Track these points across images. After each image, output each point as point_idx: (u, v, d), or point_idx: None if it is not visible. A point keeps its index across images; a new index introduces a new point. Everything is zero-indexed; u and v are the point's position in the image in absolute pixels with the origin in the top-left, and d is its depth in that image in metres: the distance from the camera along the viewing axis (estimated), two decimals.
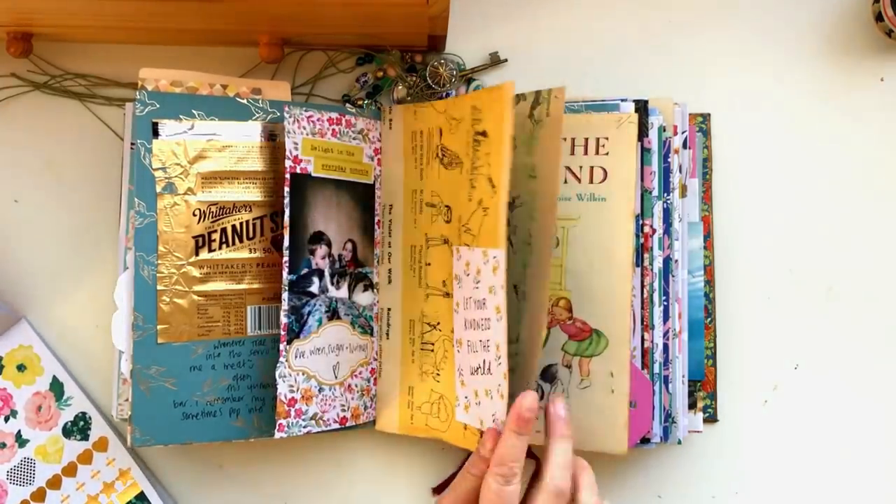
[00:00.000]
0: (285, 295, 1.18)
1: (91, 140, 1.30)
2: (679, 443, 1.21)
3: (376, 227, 1.26)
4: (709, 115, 1.30)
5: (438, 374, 1.21)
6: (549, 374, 1.20)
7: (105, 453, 1.28)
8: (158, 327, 1.18)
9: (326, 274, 1.22)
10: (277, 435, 1.18)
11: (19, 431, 1.27)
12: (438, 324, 1.21)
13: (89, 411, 1.28)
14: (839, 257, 1.29)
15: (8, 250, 1.30)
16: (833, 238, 1.29)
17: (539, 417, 1.14)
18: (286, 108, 1.19)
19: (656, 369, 1.19)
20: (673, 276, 1.21)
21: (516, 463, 1.07)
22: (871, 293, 1.29)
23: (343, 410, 1.23)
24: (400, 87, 1.29)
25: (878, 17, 1.27)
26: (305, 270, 1.20)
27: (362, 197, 1.25)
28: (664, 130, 1.21)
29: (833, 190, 1.29)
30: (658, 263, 1.20)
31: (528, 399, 1.07)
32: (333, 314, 1.22)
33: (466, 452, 1.28)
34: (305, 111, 1.21)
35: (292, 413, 1.19)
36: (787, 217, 1.29)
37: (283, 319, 1.18)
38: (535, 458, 1.28)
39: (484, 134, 1.14)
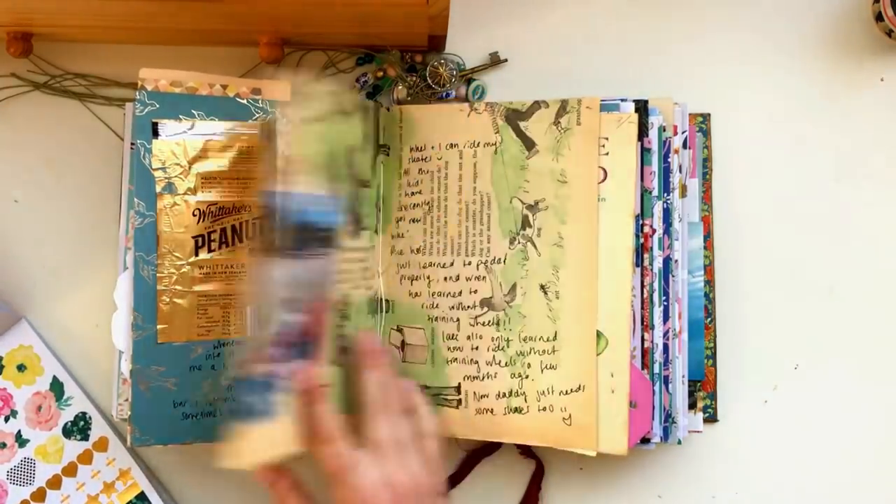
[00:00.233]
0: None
1: (91, 140, 1.30)
2: (679, 443, 1.22)
3: None
4: (709, 115, 1.30)
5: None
6: None
7: (105, 453, 1.28)
8: (158, 327, 1.18)
9: None
10: None
11: (19, 431, 1.27)
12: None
13: (89, 411, 1.28)
14: (840, 257, 1.29)
15: (8, 250, 1.30)
16: (833, 238, 1.29)
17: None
18: (278, 109, 1.19)
19: (656, 369, 1.19)
20: (673, 276, 1.21)
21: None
22: (871, 293, 1.29)
23: None
24: (400, 87, 1.29)
25: (878, 17, 1.27)
26: None
27: None
28: (664, 130, 1.21)
29: (833, 190, 1.29)
30: (658, 263, 1.20)
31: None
32: None
33: (467, 451, 1.30)
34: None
35: None
36: (787, 216, 1.29)
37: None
38: (535, 457, 1.28)
39: None
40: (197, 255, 1.20)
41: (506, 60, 1.31)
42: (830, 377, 1.29)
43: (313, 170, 1.16)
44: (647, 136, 1.20)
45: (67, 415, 1.28)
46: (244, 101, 1.22)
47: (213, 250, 1.21)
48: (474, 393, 1.22)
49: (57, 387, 1.28)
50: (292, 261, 1.11)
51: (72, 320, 1.30)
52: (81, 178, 1.31)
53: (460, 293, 1.23)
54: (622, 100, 1.21)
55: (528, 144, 1.21)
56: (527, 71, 1.31)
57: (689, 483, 1.29)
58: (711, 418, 1.28)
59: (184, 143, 1.20)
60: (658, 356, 1.20)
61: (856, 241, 1.29)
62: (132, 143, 1.19)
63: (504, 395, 1.21)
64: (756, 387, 1.29)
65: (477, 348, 1.22)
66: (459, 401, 1.23)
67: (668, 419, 1.20)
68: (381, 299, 1.26)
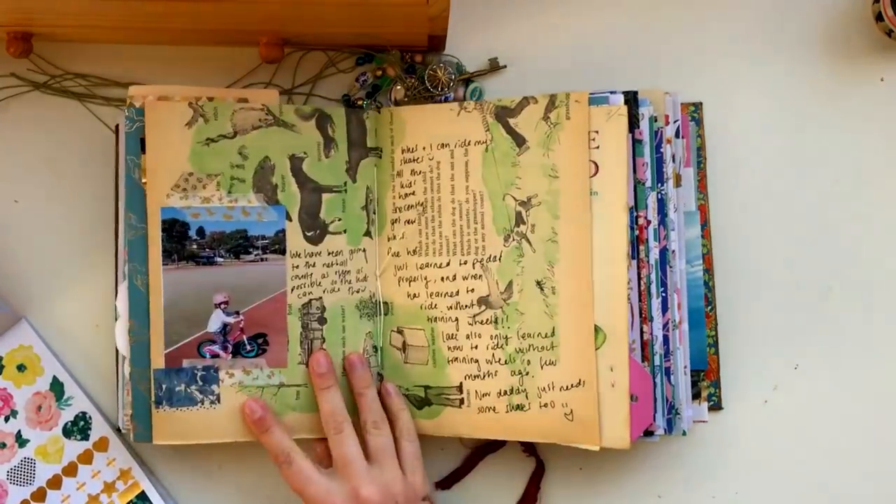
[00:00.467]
0: None
1: (91, 140, 1.31)
2: (684, 434, 1.21)
3: None
4: (700, 103, 1.30)
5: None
6: None
7: (105, 453, 1.28)
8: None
9: None
10: None
11: (19, 431, 1.27)
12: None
13: (89, 411, 1.28)
14: (839, 257, 1.29)
15: (8, 250, 1.30)
16: (833, 238, 1.29)
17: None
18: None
19: (657, 361, 1.20)
20: (670, 266, 1.21)
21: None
22: (871, 293, 1.29)
23: None
24: (398, 88, 1.29)
25: (878, 17, 1.27)
26: None
27: None
28: (655, 121, 1.22)
29: (833, 190, 1.29)
30: (654, 255, 1.20)
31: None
32: None
33: (469, 449, 1.30)
34: None
35: None
36: (787, 215, 1.30)
37: None
38: (536, 456, 1.28)
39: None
40: None
41: (505, 66, 1.32)
42: (830, 373, 1.29)
43: (223, 182, 1.20)
44: (638, 127, 1.20)
45: (67, 415, 1.28)
46: None
47: None
48: (476, 392, 1.22)
49: (57, 387, 1.28)
50: (213, 268, 1.19)
51: (72, 320, 1.30)
52: (81, 177, 1.31)
53: (457, 293, 1.23)
54: (611, 92, 1.21)
55: (519, 141, 1.22)
56: (526, 72, 1.32)
57: (690, 481, 1.29)
58: (716, 406, 1.28)
59: None
60: (658, 348, 1.20)
61: (855, 241, 1.29)
62: (124, 158, 1.20)
63: (505, 392, 1.21)
64: (761, 372, 1.29)
65: (476, 347, 1.22)
66: (462, 400, 1.23)
67: (672, 411, 1.20)
68: (380, 302, 1.26)
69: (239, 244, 1.20)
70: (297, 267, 1.21)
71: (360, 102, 1.30)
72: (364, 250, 1.25)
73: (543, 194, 1.21)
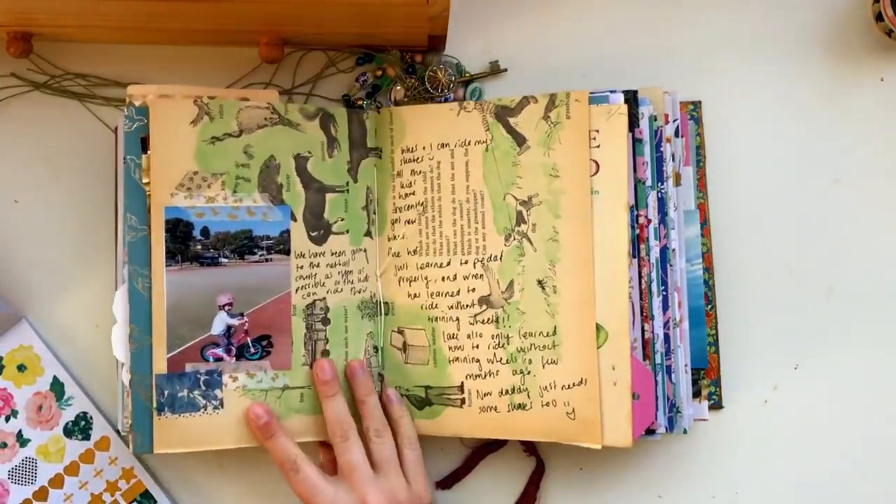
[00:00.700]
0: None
1: (91, 140, 1.31)
2: (685, 432, 1.22)
3: None
4: (699, 102, 1.30)
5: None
6: None
7: (107, 452, 1.28)
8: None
9: None
10: None
11: (20, 431, 1.27)
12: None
13: (90, 411, 1.28)
14: (840, 256, 1.29)
15: (8, 250, 1.30)
16: (833, 237, 1.29)
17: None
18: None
19: (658, 360, 1.20)
20: (671, 265, 1.21)
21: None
22: (872, 292, 1.29)
23: None
24: (398, 88, 1.29)
25: (878, 17, 1.27)
26: None
27: None
28: (655, 120, 1.22)
29: (833, 189, 1.30)
30: (655, 253, 1.21)
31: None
32: None
33: (471, 448, 1.30)
34: None
35: None
36: (786, 213, 1.30)
37: None
38: (537, 456, 1.28)
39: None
40: None
41: (506, 70, 1.32)
42: (830, 370, 1.30)
43: (228, 182, 1.20)
44: (638, 126, 1.21)
45: (68, 414, 1.28)
46: None
47: None
48: (477, 391, 1.22)
49: (57, 387, 1.28)
50: (217, 269, 1.19)
51: (72, 320, 1.30)
52: (81, 177, 1.31)
53: (458, 292, 1.23)
54: (611, 91, 1.21)
55: (519, 140, 1.22)
56: (525, 72, 1.32)
57: (690, 480, 1.29)
58: (717, 405, 1.28)
59: None
60: (659, 346, 1.20)
61: (855, 240, 1.29)
62: (123, 159, 1.19)
63: (507, 392, 1.21)
64: (761, 372, 1.29)
65: (478, 347, 1.22)
66: (463, 400, 1.23)
67: (673, 409, 1.20)
68: (380, 302, 1.26)
69: (244, 244, 1.19)
70: (302, 267, 1.21)
71: (360, 102, 1.30)
72: (365, 250, 1.25)
73: (544, 193, 1.21)
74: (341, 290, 1.23)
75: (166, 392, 1.17)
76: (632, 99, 1.20)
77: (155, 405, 1.17)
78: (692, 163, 1.27)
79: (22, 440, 1.27)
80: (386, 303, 1.26)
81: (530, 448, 1.28)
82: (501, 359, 1.21)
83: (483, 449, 1.29)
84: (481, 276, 1.22)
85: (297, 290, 1.21)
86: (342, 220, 1.24)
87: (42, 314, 1.30)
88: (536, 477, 1.29)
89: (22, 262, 1.30)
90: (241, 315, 1.19)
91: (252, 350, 1.19)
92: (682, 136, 1.24)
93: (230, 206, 1.19)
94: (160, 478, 1.30)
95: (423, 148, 1.25)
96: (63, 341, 1.30)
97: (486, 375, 1.22)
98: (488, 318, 1.22)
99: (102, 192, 1.29)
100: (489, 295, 1.22)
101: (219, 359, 1.18)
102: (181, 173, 1.18)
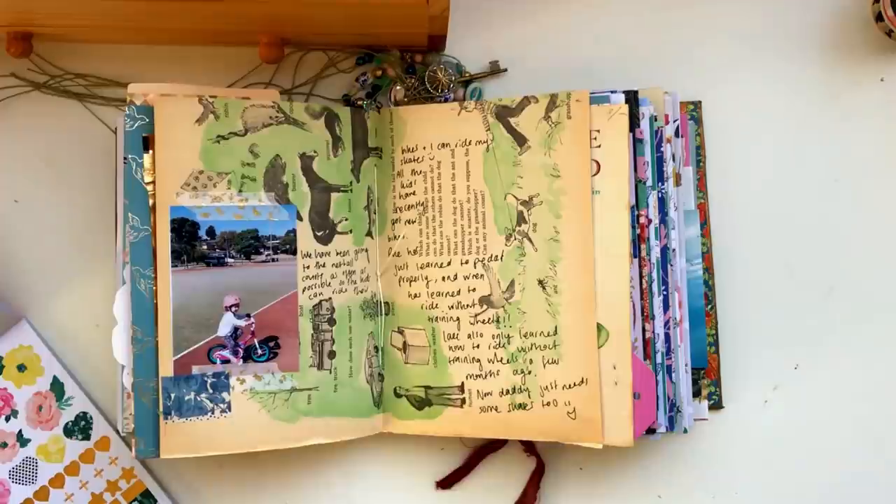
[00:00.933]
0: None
1: (91, 140, 1.31)
2: (685, 431, 1.22)
3: None
4: (699, 102, 1.30)
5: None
6: None
7: (107, 452, 1.28)
8: (157, 340, 1.18)
9: None
10: None
11: (20, 431, 1.27)
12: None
13: (90, 411, 1.28)
14: (840, 256, 1.29)
15: (8, 250, 1.30)
16: (833, 237, 1.29)
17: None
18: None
19: (659, 359, 1.20)
20: (671, 265, 1.21)
21: None
22: (872, 292, 1.29)
23: None
24: (398, 88, 1.29)
25: (878, 18, 1.27)
26: None
27: None
28: (655, 120, 1.22)
29: (833, 189, 1.30)
30: (655, 253, 1.21)
31: None
32: None
33: (471, 448, 1.30)
34: None
35: None
36: (786, 214, 1.31)
37: None
38: (537, 456, 1.28)
39: None
40: None
41: (506, 70, 1.32)
42: (830, 369, 1.30)
43: (234, 181, 1.20)
44: (639, 126, 1.21)
45: (68, 415, 1.28)
46: None
47: None
48: (478, 391, 1.22)
49: (57, 387, 1.28)
50: (223, 269, 1.18)
51: (72, 320, 1.30)
52: (81, 177, 1.31)
53: (459, 292, 1.24)
54: (612, 91, 1.22)
55: (520, 140, 1.22)
56: (525, 72, 1.32)
57: (690, 480, 1.29)
58: (717, 405, 1.28)
59: None
60: (660, 346, 1.20)
61: (855, 240, 1.30)
62: (124, 158, 1.18)
63: (507, 391, 1.21)
64: (761, 372, 1.29)
65: (478, 346, 1.22)
66: (463, 400, 1.23)
67: (673, 409, 1.21)
68: (381, 302, 1.26)
69: (250, 244, 1.19)
70: (308, 267, 1.21)
71: (360, 102, 1.30)
72: (366, 250, 1.25)
73: (545, 193, 1.21)
74: (346, 290, 1.23)
75: (173, 395, 1.16)
76: (632, 99, 1.21)
77: (161, 409, 1.16)
78: (692, 163, 1.27)
79: (22, 440, 1.27)
80: (386, 303, 1.27)
81: (530, 448, 1.28)
82: (502, 359, 1.22)
83: (483, 449, 1.29)
84: (482, 275, 1.22)
85: (303, 291, 1.21)
86: (346, 219, 1.24)
87: (42, 314, 1.30)
88: (536, 477, 1.29)
89: (22, 262, 1.30)
90: (248, 316, 1.19)
91: (259, 352, 1.19)
92: (682, 136, 1.25)
93: (236, 205, 1.19)
94: (160, 477, 1.29)
95: (424, 148, 1.25)
96: (63, 341, 1.30)
97: (486, 375, 1.22)
98: (489, 318, 1.22)
99: (102, 192, 1.29)
100: (490, 295, 1.22)
101: (226, 361, 1.18)
102: (186, 172, 1.17)
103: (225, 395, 1.18)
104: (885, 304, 1.29)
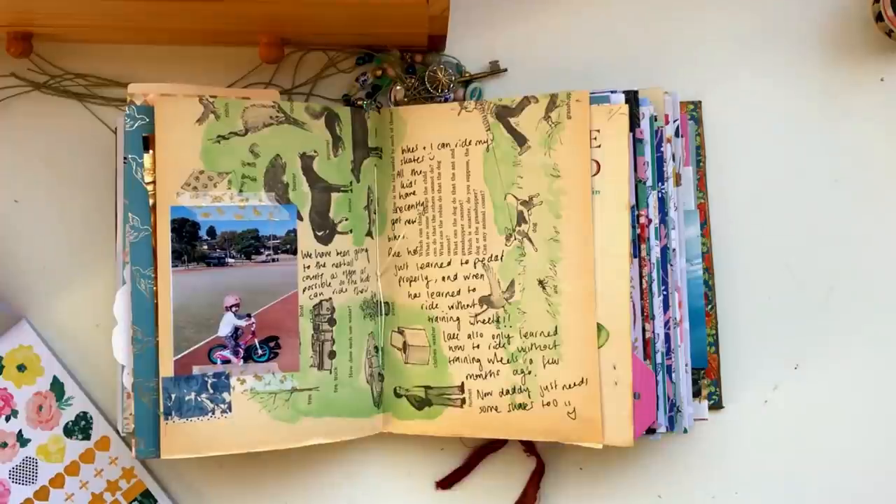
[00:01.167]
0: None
1: (90, 140, 1.31)
2: (685, 431, 1.22)
3: None
4: (699, 102, 1.30)
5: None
6: None
7: (108, 452, 1.28)
8: (158, 340, 1.18)
9: None
10: None
11: (20, 431, 1.27)
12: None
13: (90, 411, 1.28)
14: (840, 256, 1.29)
15: (8, 250, 1.30)
16: (833, 237, 1.29)
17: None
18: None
19: (658, 359, 1.20)
20: (671, 265, 1.21)
21: None
22: (872, 292, 1.29)
23: None
24: (398, 88, 1.29)
25: (878, 18, 1.28)
26: None
27: None
28: (656, 120, 1.22)
29: (832, 189, 1.30)
30: (655, 253, 1.21)
31: None
32: None
33: (471, 448, 1.30)
34: None
35: None
36: (786, 213, 1.31)
37: None
38: (537, 456, 1.28)
39: None
40: None
41: (506, 70, 1.32)
42: (831, 370, 1.30)
43: (234, 181, 1.20)
44: (639, 126, 1.21)
45: (68, 414, 1.28)
46: None
47: None
48: (478, 391, 1.22)
49: (57, 387, 1.28)
50: (224, 269, 1.18)
51: (72, 320, 1.30)
52: (81, 177, 1.31)
53: (459, 292, 1.24)
54: (612, 91, 1.22)
55: (520, 140, 1.22)
56: (525, 72, 1.32)
57: (690, 480, 1.29)
58: (717, 405, 1.28)
59: None
60: (660, 346, 1.20)
61: (855, 240, 1.30)
62: (124, 158, 1.18)
63: (507, 391, 1.21)
64: (761, 372, 1.29)
65: (478, 346, 1.22)
66: (463, 400, 1.23)
67: (673, 409, 1.21)
68: (381, 302, 1.26)
69: (250, 244, 1.19)
70: (308, 267, 1.21)
71: (360, 102, 1.30)
72: (366, 250, 1.25)
73: (545, 193, 1.21)
74: (346, 290, 1.23)
75: (173, 396, 1.16)
76: (632, 99, 1.21)
77: (161, 409, 1.16)
78: (692, 163, 1.27)
79: (22, 440, 1.27)
80: (386, 303, 1.27)
81: (530, 448, 1.28)
82: (502, 359, 1.22)
83: (483, 449, 1.29)
84: (482, 275, 1.23)
85: (304, 291, 1.21)
86: (346, 219, 1.24)
87: (42, 314, 1.30)
88: (536, 477, 1.29)
89: (22, 262, 1.30)
90: (249, 316, 1.19)
91: (260, 352, 1.19)
92: (682, 136, 1.25)
93: (236, 205, 1.19)
94: (160, 477, 1.29)
95: (424, 148, 1.25)
96: (63, 341, 1.30)
97: (486, 375, 1.22)
98: (489, 318, 1.22)
99: (102, 192, 1.29)
100: (490, 295, 1.22)
101: (226, 361, 1.18)
102: (187, 172, 1.17)
103: (225, 395, 1.18)
104: (885, 304, 1.29)
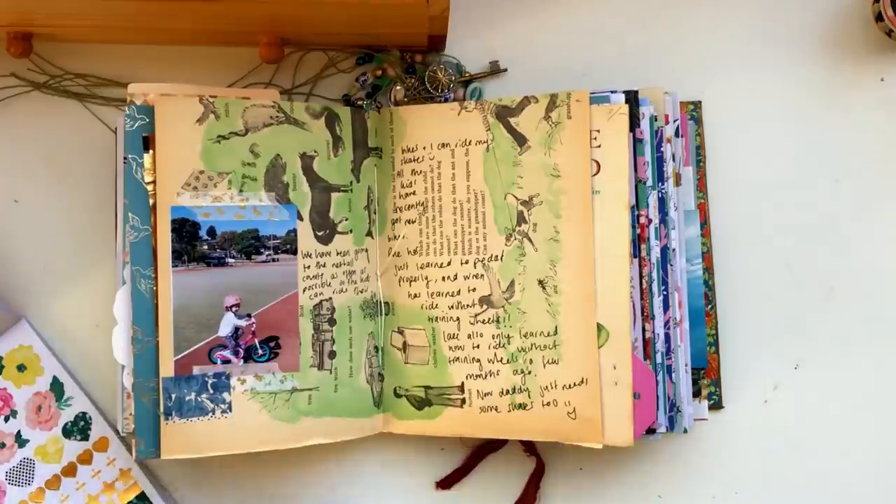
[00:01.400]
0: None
1: (90, 140, 1.31)
2: (685, 431, 1.22)
3: None
4: (699, 102, 1.31)
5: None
6: None
7: (105, 453, 1.28)
8: (158, 340, 1.18)
9: None
10: None
11: (19, 432, 1.27)
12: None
13: (89, 411, 1.28)
14: (840, 256, 1.29)
15: (8, 250, 1.30)
16: (833, 237, 1.29)
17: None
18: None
19: (659, 359, 1.20)
20: (671, 265, 1.22)
21: None
22: (872, 292, 1.29)
23: None
24: (398, 88, 1.29)
25: (878, 17, 1.28)
26: None
27: None
28: (656, 120, 1.22)
29: (833, 189, 1.30)
30: (656, 253, 1.21)
31: None
32: None
33: (471, 448, 1.30)
34: None
35: None
36: (786, 214, 1.31)
37: None
38: (537, 456, 1.28)
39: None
40: None
41: (506, 70, 1.32)
42: (830, 370, 1.30)
43: (235, 181, 1.19)
44: (639, 126, 1.21)
45: (67, 415, 1.28)
46: None
47: None
48: (478, 391, 1.22)
49: (57, 387, 1.28)
50: (224, 269, 1.18)
51: (72, 320, 1.30)
52: (81, 177, 1.31)
53: (459, 292, 1.24)
54: (612, 91, 1.22)
55: (520, 140, 1.22)
56: (525, 72, 1.32)
57: (690, 480, 1.29)
58: (717, 405, 1.28)
59: None
60: (660, 346, 1.20)
61: (855, 240, 1.30)
62: (124, 158, 1.18)
63: (507, 391, 1.21)
64: (761, 372, 1.29)
65: (478, 346, 1.22)
66: (463, 400, 1.23)
67: (673, 409, 1.21)
68: (381, 302, 1.26)
69: (250, 244, 1.19)
70: (309, 267, 1.21)
71: (360, 102, 1.30)
72: (366, 250, 1.25)
73: (545, 193, 1.21)
74: (346, 290, 1.23)
75: (173, 396, 1.16)
76: (632, 99, 1.21)
77: (162, 409, 1.16)
78: (692, 163, 1.27)
79: (21, 441, 1.27)
80: (386, 303, 1.27)
81: (530, 448, 1.28)
82: (502, 359, 1.22)
83: (482, 449, 1.29)
84: (482, 275, 1.22)
85: (304, 291, 1.21)
86: (346, 219, 1.24)
87: (42, 314, 1.30)
88: (536, 477, 1.29)
89: (22, 262, 1.30)
90: (249, 316, 1.19)
91: (260, 352, 1.19)
92: (682, 136, 1.25)
93: (237, 205, 1.19)
94: (160, 477, 1.29)
95: (424, 148, 1.25)
96: (63, 341, 1.30)
97: (486, 375, 1.22)
98: (489, 318, 1.22)
99: (102, 192, 1.29)
100: (490, 295, 1.22)
101: (226, 361, 1.18)
102: (187, 172, 1.17)
103: (226, 395, 1.18)
104: (885, 304, 1.29)
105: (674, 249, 1.22)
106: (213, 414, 1.17)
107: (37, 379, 1.28)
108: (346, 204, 1.23)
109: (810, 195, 1.30)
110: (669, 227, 1.21)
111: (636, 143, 1.20)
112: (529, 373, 1.20)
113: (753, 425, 1.29)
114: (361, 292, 1.25)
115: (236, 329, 1.18)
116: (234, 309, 1.18)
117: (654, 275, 1.20)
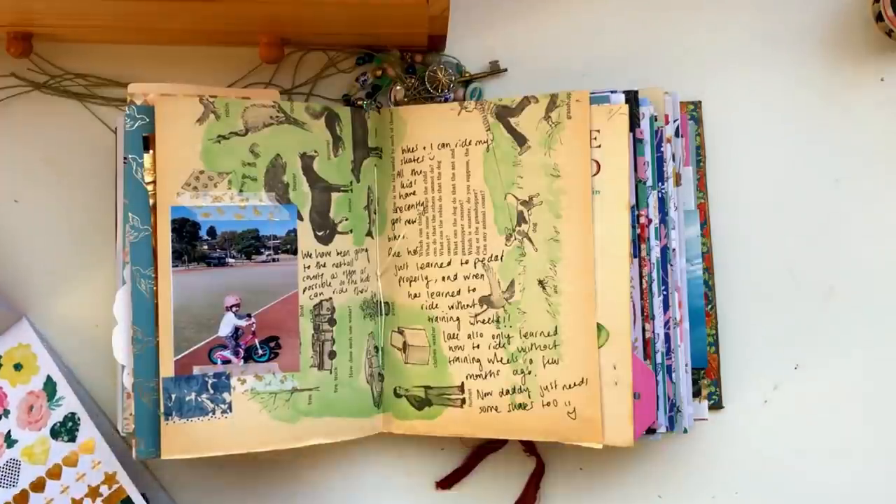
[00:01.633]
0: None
1: (90, 140, 1.31)
2: (685, 431, 1.22)
3: None
4: (699, 102, 1.31)
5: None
6: None
7: (91, 455, 1.27)
8: (158, 340, 1.18)
9: None
10: None
11: (9, 432, 1.26)
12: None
13: (79, 412, 1.27)
14: (840, 256, 1.29)
15: (8, 250, 1.30)
16: (833, 237, 1.29)
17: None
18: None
19: (659, 359, 1.20)
20: (671, 265, 1.22)
21: None
22: (872, 292, 1.29)
23: None
24: (398, 88, 1.29)
25: (878, 17, 1.28)
26: None
27: None
28: (656, 120, 1.22)
29: (833, 189, 1.30)
30: (656, 253, 1.21)
31: None
32: None
33: (471, 448, 1.30)
34: None
35: None
36: (785, 212, 1.31)
37: None
38: (537, 456, 1.28)
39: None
40: None
41: (506, 70, 1.32)
42: (830, 369, 1.30)
43: (235, 181, 1.19)
44: (639, 126, 1.21)
45: (57, 415, 1.27)
46: None
47: None
48: (478, 391, 1.22)
49: (50, 386, 1.27)
50: (224, 269, 1.18)
51: (72, 319, 1.30)
52: (81, 177, 1.31)
53: (459, 292, 1.24)
54: (612, 91, 1.22)
55: (520, 140, 1.22)
56: (525, 72, 1.32)
57: (690, 481, 1.29)
58: (717, 405, 1.28)
59: None
60: (660, 346, 1.21)
61: (855, 240, 1.30)
62: (124, 158, 1.18)
63: (507, 391, 1.21)
64: (761, 372, 1.30)
65: (478, 346, 1.22)
66: (463, 400, 1.23)
67: (673, 409, 1.21)
68: (381, 302, 1.26)
69: (250, 244, 1.19)
70: (309, 267, 1.21)
71: (360, 102, 1.30)
72: (367, 250, 1.25)
73: (545, 193, 1.21)
74: (346, 290, 1.23)
75: (174, 396, 1.16)
76: (632, 99, 1.21)
77: (162, 409, 1.16)
78: (692, 163, 1.27)
79: (10, 441, 1.26)
80: (386, 303, 1.26)
81: (530, 448, 1.29)
82: (502, 359, 1.22)
83: (482, 449, 1.29)
84: (482, 275, 1.22)
85: (304, 291, 1.21)
86: (346, 219, 1.24)
87: (42, 314, 1.30)
88: (536, 477, 1.29)
89: (22, 262, 1.30)
90: (249, 316, 1.18)
91: (260, 352, 1.19)
92: (682, 136, 1.25)
93: (237, 205, 1.19)
94: (159, 477, 1.30)
95: (424, 148, 1.25)
96: (63, 341, 1.30)
97: (486, 375, 1.22)
98: (489, 318, 1.22)
99: (102, 192, 1.29)
100: (490, 295, 1.22)
101: (227, 361, 1.18)
102: (187, 172, 1.17)
103: (226, 395, 1.18)
104: (885, 305, 1.29)
105: (674, 249, 1.22)
106: (214, 414, 1.17)
107: (32, 378, 1.28)
108: (346, 204, 1.23)
109: (810, 195, 1.30)
110: (669, 227, 1.21)
111: (636, 143, 1.21)
112: (529, 373, 1.20)
113: (753, 425, 1.29)
114: (361, 292, 1.25)
115: (236, 329, 1.18)
116: (234, 309, 1.18)
117: (654, 275, 1.20)
